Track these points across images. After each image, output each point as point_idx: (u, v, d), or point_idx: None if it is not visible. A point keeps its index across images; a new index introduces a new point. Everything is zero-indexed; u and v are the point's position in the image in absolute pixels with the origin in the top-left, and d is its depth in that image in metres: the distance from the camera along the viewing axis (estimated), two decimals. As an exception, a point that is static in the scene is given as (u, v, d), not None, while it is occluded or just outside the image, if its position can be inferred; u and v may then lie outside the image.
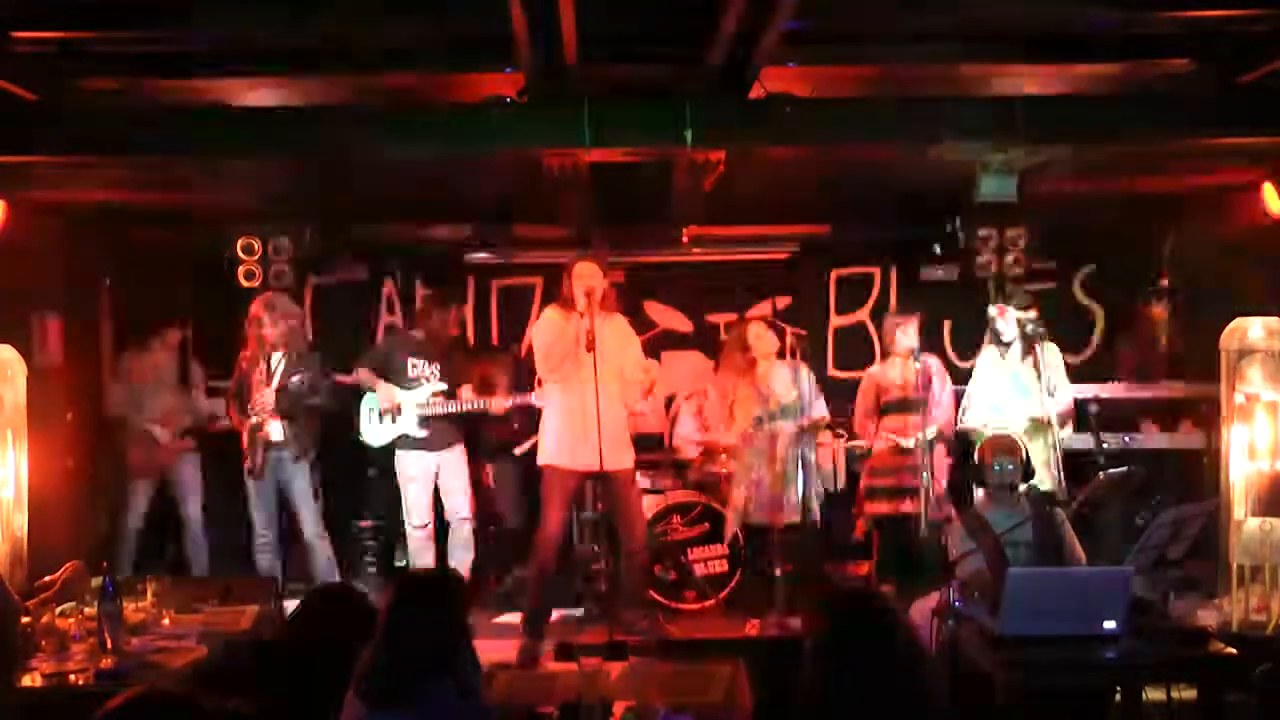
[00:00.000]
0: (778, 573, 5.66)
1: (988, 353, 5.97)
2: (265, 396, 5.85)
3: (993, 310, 5.87)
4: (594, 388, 5.09)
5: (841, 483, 6.57)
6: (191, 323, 6.89)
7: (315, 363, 6.01)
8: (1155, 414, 6.78)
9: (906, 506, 5.82)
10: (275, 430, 5.91)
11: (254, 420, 5.89)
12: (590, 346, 5.09)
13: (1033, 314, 5.83)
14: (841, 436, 6.40)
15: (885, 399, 5.96)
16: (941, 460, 5.98)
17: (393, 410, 6.09)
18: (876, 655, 2.39)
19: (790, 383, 5.65)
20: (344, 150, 5.08)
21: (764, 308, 7.40)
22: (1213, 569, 5.03)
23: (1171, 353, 7.17)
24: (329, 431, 6.19)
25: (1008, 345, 5.83)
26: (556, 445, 5.34)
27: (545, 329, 5.44)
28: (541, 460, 5.44)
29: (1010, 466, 4.56)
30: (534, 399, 5.82)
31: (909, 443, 5.81)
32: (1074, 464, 5.94)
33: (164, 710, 1.99)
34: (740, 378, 6.01)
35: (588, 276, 5.29)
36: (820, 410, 5.85)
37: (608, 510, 5.72)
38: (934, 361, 6.13)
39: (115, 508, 6.35)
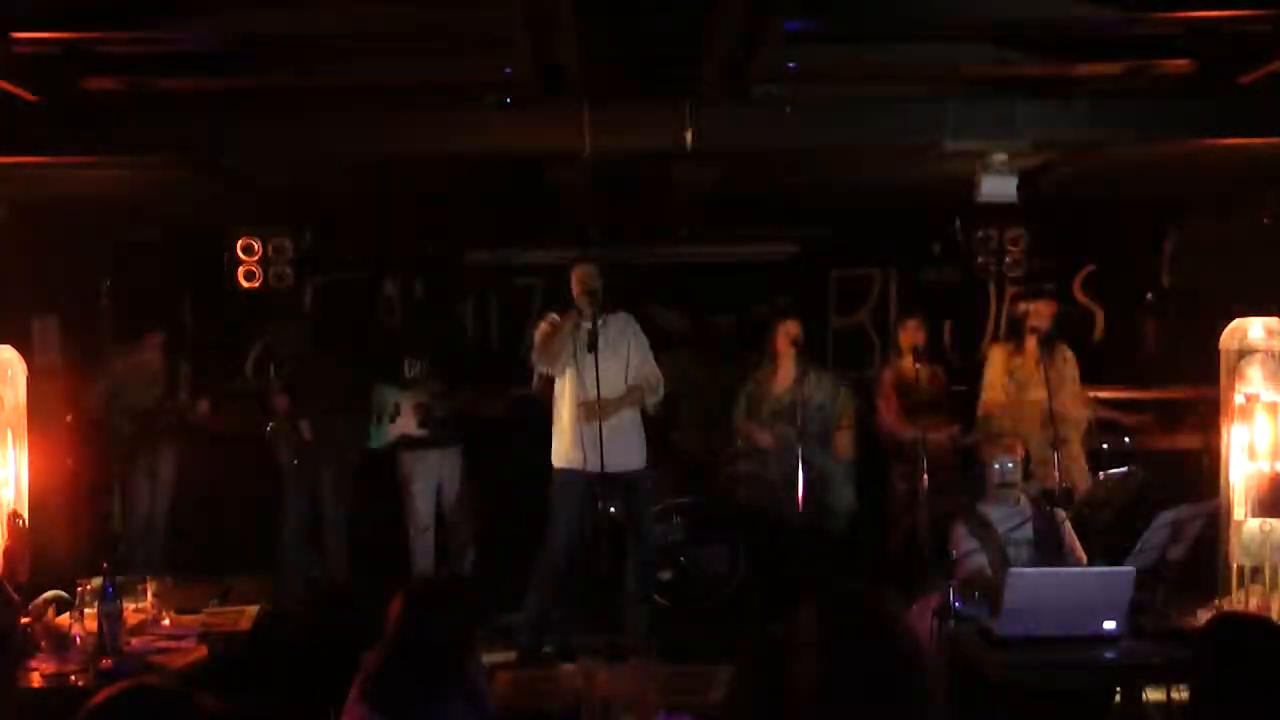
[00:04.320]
0: (779, 572, 5.66)
1: (999, 350, 5.95)
2: (280, 400, 5.86)
3: (1037, 304, 5.84)
4: (597, 390, 5.08)
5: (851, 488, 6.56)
6: (178, 325, 6.92)
7: (333, 362, 6.01)
8: (1155, 414, 6.78)
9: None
10: (306, 430, 5.92)
11: (281, 420, 5.89)
12: (592, 347, 5.08)
13: (1053, 308, 5.84)
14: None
15: (904, 400, 5.95)
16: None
17: (388, 411, 6.09)
18: (875, 655, 2.39)
19: (796, 385, 5.65)
20: (344, 150, 5.07)
21: (764, 308, 7.42)
22: (1213, 569, 5.03)
23: (1167, 354, 7.18)
24: (356, 431, 6.19)
25: (1024, 342, 5.81)
26: (565, 448, 5.32)
27: (546, 325, 5.41)
28: (557, 463, 5.42)
29: (1010, 465, 4.56)
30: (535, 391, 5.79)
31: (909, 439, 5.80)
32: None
33: (153, 704, 1.98)
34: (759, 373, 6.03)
35: (588, 278, 5.28)
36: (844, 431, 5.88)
37: (619, 511, 5.70)
38: (938, 369, 6.14)
39: (121, 507, 6.36)
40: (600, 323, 5.25)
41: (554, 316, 5.38)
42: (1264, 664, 2.43)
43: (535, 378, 5.56)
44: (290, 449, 5.89)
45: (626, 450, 5.28)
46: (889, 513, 6.16)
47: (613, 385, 5.25)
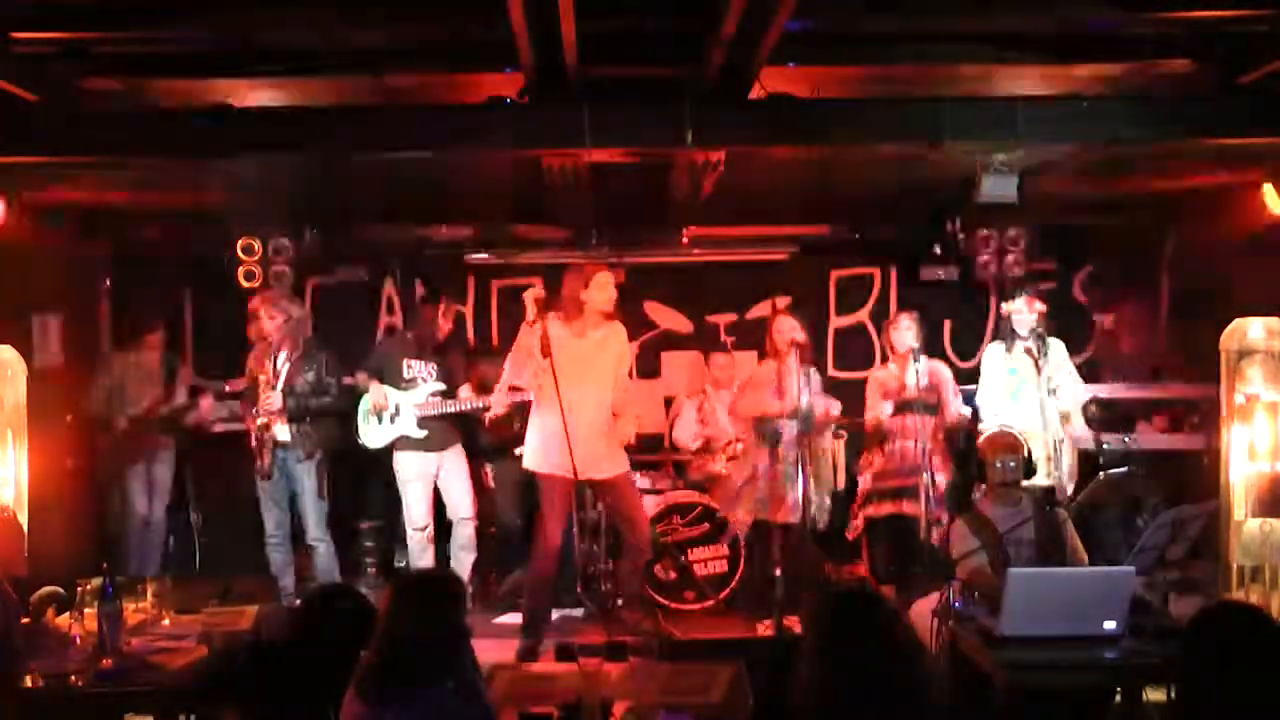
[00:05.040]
0: (777, 572, 5.67)
1: (993, 350, 5.97)
2: (272, 398, 5.84)
3: (1017, 303, 5.85)
4: (580, 396, 5.08)
5: (841, 483, 6.57)
6: (178, 323, 6.93)
7: (324, 362, 6.00)
8: (1155, 414, 6.79)
9: (907, 507, 5.83)
10: (281, 431, 5.90)
11: (261, 421, 5.88)
12: (545, 353, 5.07)
13: (1041, 307, 5.84)
14: (841, 437, 6.40)
15: (887, 400, 5.95)
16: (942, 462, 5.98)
17: (386, 411, 6.08)
18: (873, 655, 2.39)
19: (798, 385, 5.64)
20: (344, 150, 5.07)
21: (765, 307, 7.42)
22: (1213, 569, 5.03)
23: (1167, 354, 7.19)
24: (333, 432, 6.19)
25: (1015, 342, 5.82)
26: (544, 452, 5.30)
27: (521, 335, 5.39)
28: (528, 464, 5.40)
29: (1012, 464, 4.56)
30: (529, 396, 5.77)
31: (910, 443, 5.81)
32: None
33: None
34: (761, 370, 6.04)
35: (606, 287, 5.28)
36: (832, 406, 5.88)
37: (609, 514, 5.69)
38: (939, 366, 6.13)
39: (119, 507, 6.35)
40: (599, 334, 5.28)
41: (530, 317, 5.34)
42: (1255, 651, 2.45)
43: (509, 390, 5.57)
44: (272, 448, 5.89)
45: (604, 456, 5.27)
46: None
47: (598, 392, 5.23)
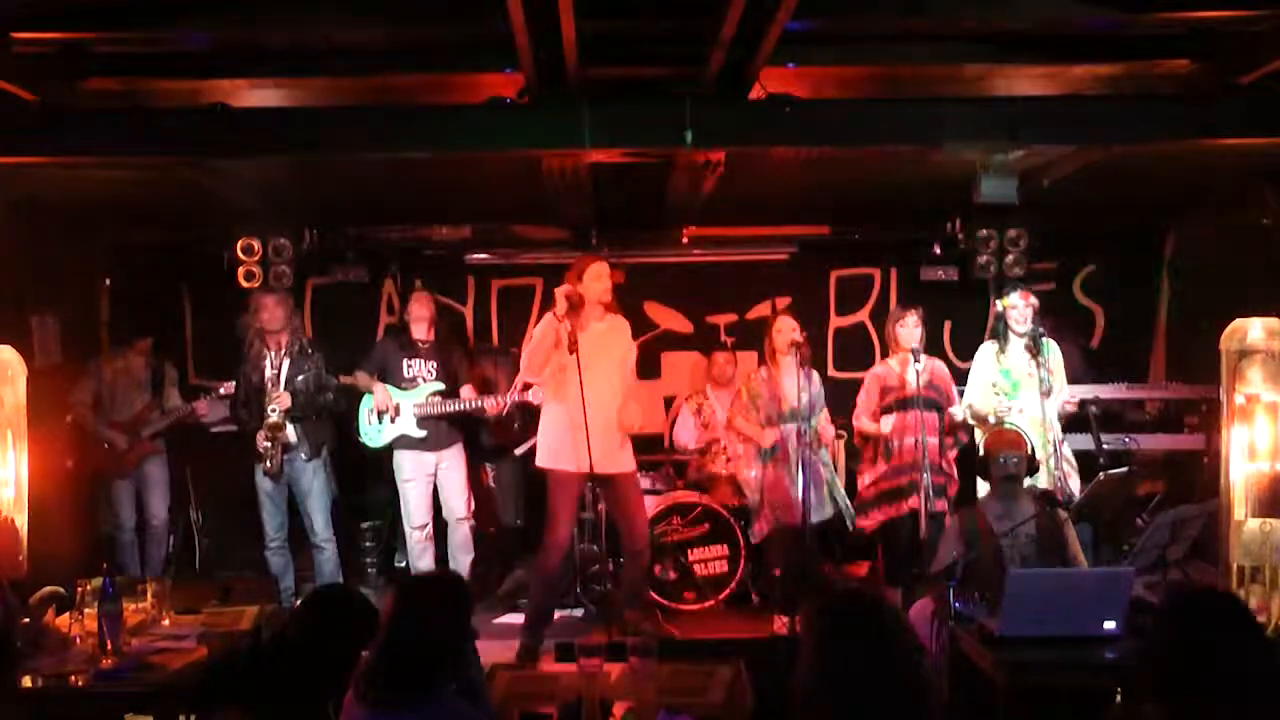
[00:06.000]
0: (777, 573, 5.67)
1: (985, 350, 5.96)
2: (283, 399, 5.82)
3: (1013, 298, 5.83)
4: (589, 390, 5.07)
5: (841, 483, 6.57)
6: (177, 323, 6.94)
7: (319, 361, 5.99)
8: (1155, 414, 6.79)
9: (908, 505, 5.81)
10: (291, 432, 5.90)
11: (274, 420, 5.85)
12: (572, 349, 5.05)
13: (1035, 302, 5.84)
14: (841, 437, 6.39)
15: (888, 398, 5.94)
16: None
17: (389, 411, 6.08)
18: (873, 655, 2.39)
19: (798, 386, 5.64)
20: (344, 150, 5.07)
21: (765, 307, 7.42)
22: (1213, 569, 5.03)
23: (1167, 354, 7.19)
24: (332, 430, 6.19)
25: (1010, 341, 5.81)
26: (559, 449, 5.29)
27: (538, 330, 5.38)
28: (541, 463, 5.39)
29: (1015, 460, 4.56)
30: (531, 397, 5.77)
31: (912, 440, 5.80)
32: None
33: None
34: (760, 372, 6.04)
35: (604, 277, 5.26)
36: (825, 423, 5.88)
37: (610, 512, 5.69)
38: (940, 365, 6.12)
39: (107, 514, 6.34)
40: (602, 326, 5.26)
41: (548, 316, 5.33)
42: (1220, 632, 2.45)
43: (522, 389, 5.56)
44: (276, 450, 5.89)
45: (616, 451, 5.27)
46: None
47: (608, 385, 5.22)
